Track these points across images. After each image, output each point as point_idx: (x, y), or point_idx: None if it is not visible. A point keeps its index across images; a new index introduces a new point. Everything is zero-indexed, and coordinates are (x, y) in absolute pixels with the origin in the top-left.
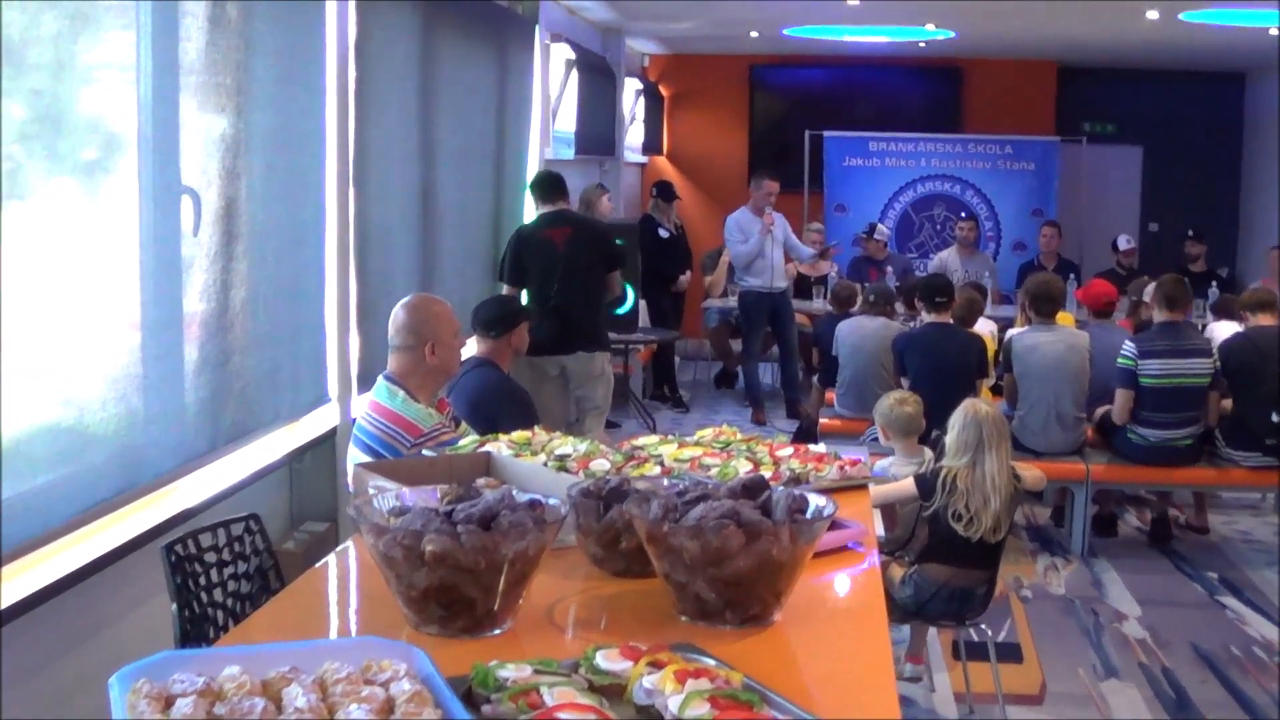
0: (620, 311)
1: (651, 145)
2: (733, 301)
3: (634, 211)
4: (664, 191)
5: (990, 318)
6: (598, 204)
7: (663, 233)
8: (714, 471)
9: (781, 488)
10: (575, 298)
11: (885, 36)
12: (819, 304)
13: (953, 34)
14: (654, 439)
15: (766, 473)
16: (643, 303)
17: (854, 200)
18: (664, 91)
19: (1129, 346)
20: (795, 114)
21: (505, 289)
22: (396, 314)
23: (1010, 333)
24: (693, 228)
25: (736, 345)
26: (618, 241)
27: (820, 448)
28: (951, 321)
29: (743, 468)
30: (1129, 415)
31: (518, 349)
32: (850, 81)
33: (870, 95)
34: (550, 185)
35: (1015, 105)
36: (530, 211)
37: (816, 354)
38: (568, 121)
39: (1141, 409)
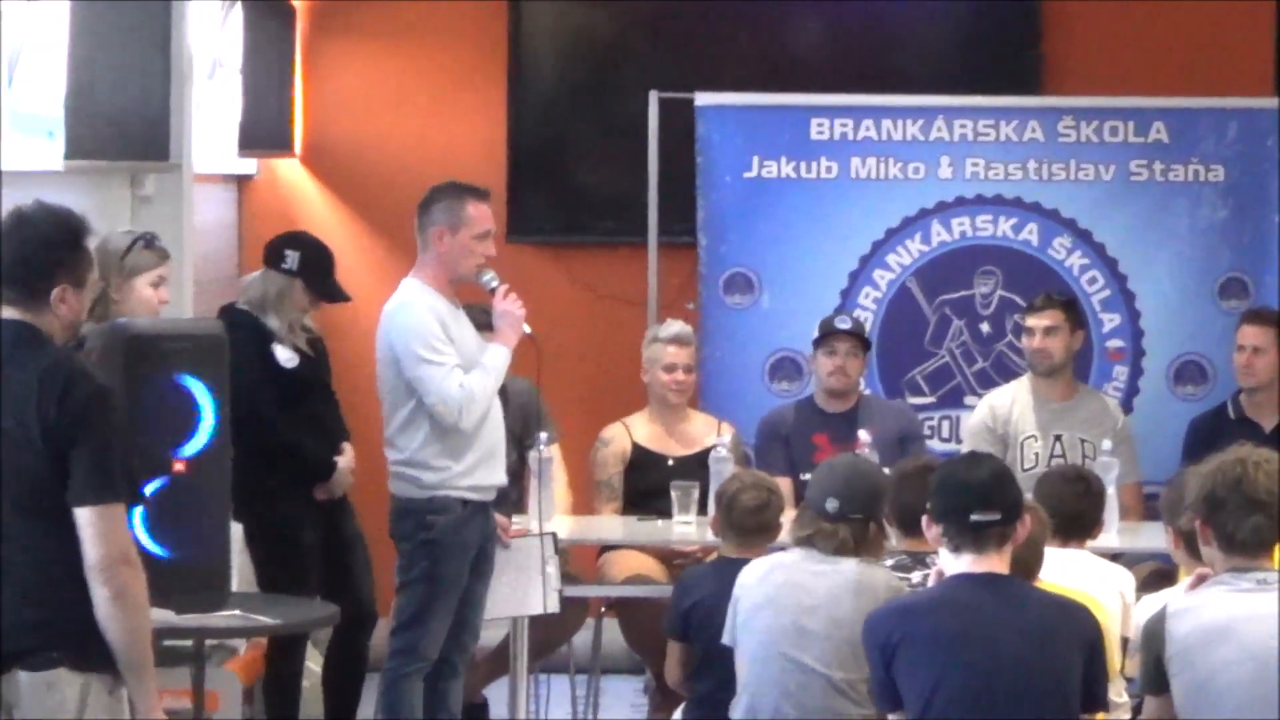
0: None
1: (265, 132)
2: None
3: (222, 299)
4: (311, 263)
5: (1113, 556)
6: (128, 288)
7: (284, 357)
8: None
9: None
10: None
11: None
12: (684, 526)
13: None
14: None
15: None
16: (235, 529)
17: (773, 262)
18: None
19: None
20: (620, 52)
21: None
22: None
23: (1165, 599)
24: (350, 331)
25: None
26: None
27: None
28: (1008, 572)
29: None
30: None
31: None
32: None
33: (811, 9)
34: None
35: (1174, 29)
36: None
37: (678, 654)
38: (49, 80)
39: None
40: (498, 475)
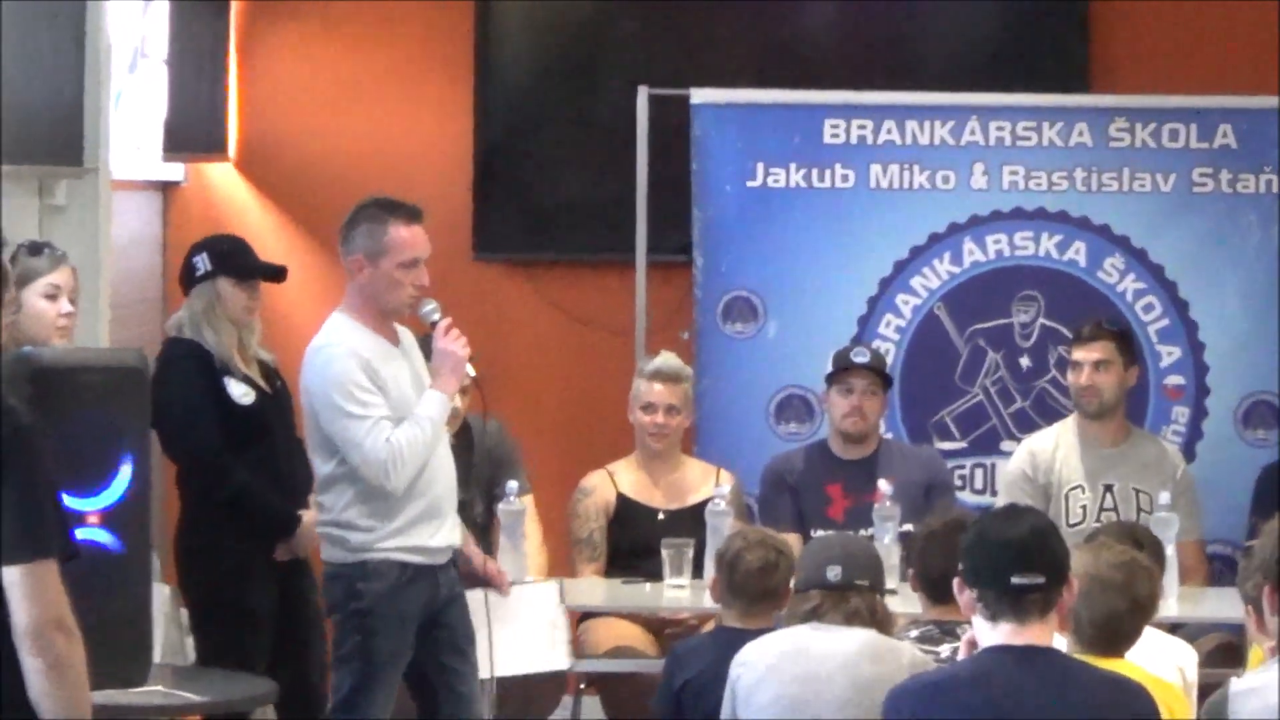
0: None
1: (194, 132)
2: None
3: (144, 326)
4: (222, 254)
5: (1171, 628)
6: (17, 303)
7: (238, 393)
8: None
9: None
10: None
11: None
12: (676, 590)
13: None
14: None
15: None
16: (178, 608)
17: (780, 285)
18: None
19: None
20: (604, 41)
21: None
22: None
23: (1232, 686)
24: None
25: None
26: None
27: None
28: (1054, 645)
29: None
30: None
31: None
32: None
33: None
34: None
35: (1242, 19)
36: None
37: None
38: None
39: None
40: (443, 535)
